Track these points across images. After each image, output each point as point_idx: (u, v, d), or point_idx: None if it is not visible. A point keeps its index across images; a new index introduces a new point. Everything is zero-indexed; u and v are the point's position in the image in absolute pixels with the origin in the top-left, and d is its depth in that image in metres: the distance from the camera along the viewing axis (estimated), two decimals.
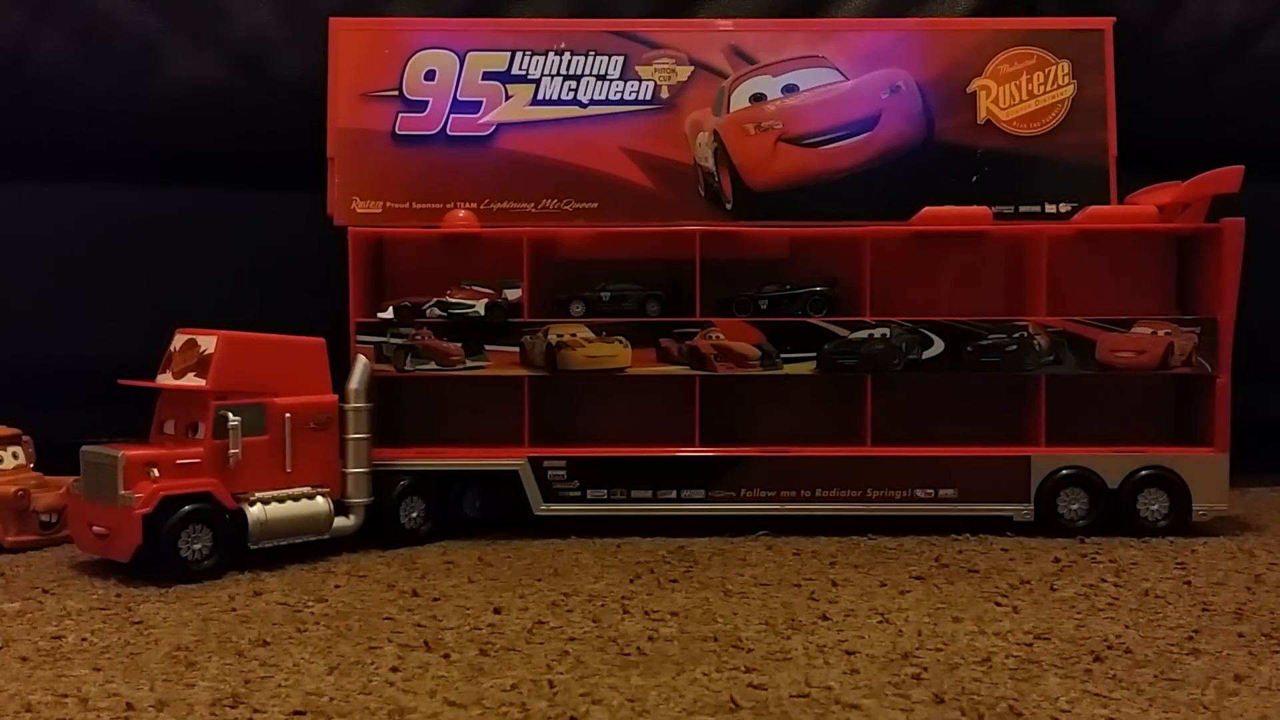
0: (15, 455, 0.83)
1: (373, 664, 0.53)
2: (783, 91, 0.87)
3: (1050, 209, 0.87)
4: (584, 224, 0.86)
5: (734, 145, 0.87)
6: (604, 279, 0.86)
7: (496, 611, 0.62)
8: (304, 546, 0.75)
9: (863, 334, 0.82)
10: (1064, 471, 0.81)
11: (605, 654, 0.55)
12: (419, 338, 0.83)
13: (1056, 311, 0.82)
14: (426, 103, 0.86)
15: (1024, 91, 0.87)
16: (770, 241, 0.87)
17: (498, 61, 0.87)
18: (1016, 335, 0.82)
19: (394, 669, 0.53)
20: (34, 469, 0.83)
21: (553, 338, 0.82)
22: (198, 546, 0.70)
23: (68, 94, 0.97)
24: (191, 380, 0.73)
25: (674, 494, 0.82)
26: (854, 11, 0.97)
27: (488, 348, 0.83)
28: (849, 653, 0.54)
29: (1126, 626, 0.59)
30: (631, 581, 0.69)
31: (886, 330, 0.82)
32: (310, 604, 0.64)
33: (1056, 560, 0.73)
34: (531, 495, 0.82)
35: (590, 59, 0.87)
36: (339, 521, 0.77)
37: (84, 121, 0.98)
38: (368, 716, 0.47)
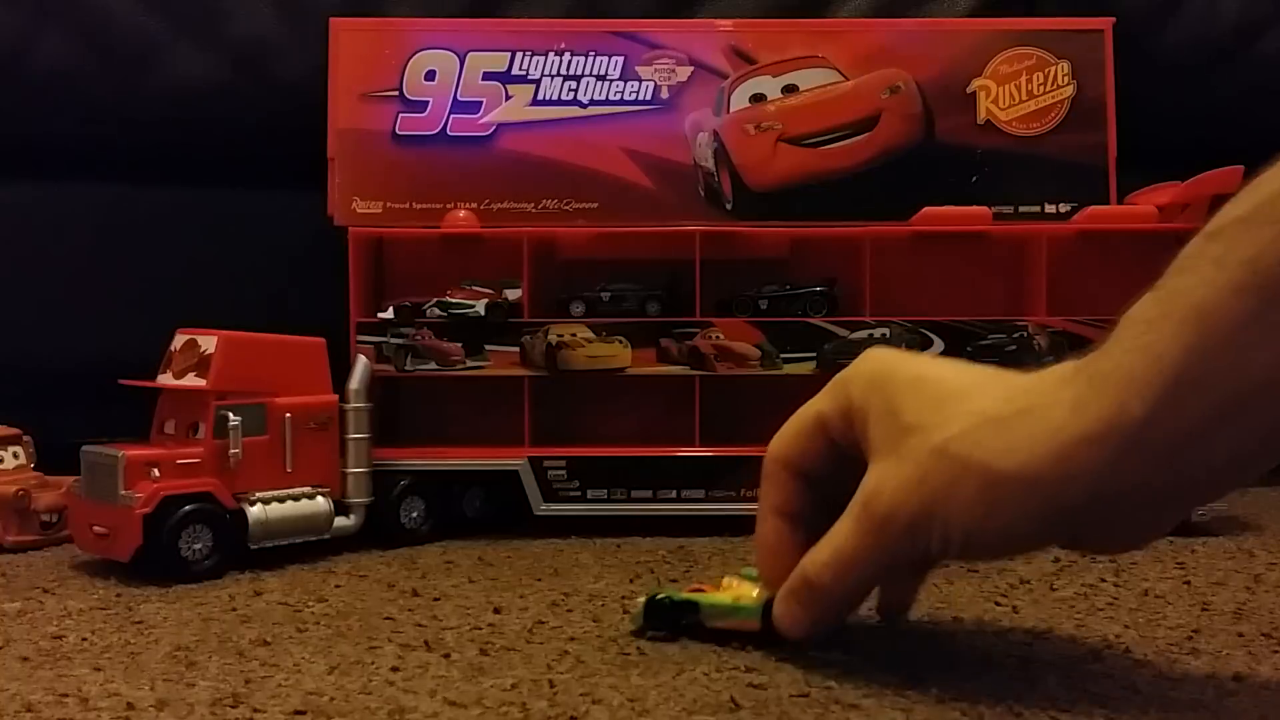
0: (16, 455, 0.83)
1: (373, 663, 0.53)
2: (783, 92, 0.87)
3: (1050, 209, 0.87)
4: (584, 224, 0.86)
5: (734, 145, 0.87)
6: (604, 279, 0.86)
7: (497, 611, 0.62)
8: (304, 546, 0.75)
9: (863, 334, 0.82)
10: None
11: (605, 654, 0.55)
12: (419, 338, 0.83)
13: (1056, 311, 0.82)
14: (427, 103, 0.86)
15: (1024, 92, 0.87)
16: (770, 241, 0.87)
17: (498, 62, 0.87)
18: (1016, 335, 0.82)
19: (394, 668, 0.53)
20: (34, 469, 0.83)
21: (553, 338, 0.82)
22: (198, 546, 0.70)
23: (68, 94, 0.97)
24: (192, 380, 0.73)
25: (674, 494, 0.82)
26: (854, 11, 0.97)
27: (488, 348, 0.83)
28: (849, 652, 0.54)
29: (1126, 626, 0.59)
30: (631, 581, 0.69)
31: (886, 330, 0.82)
32: (311, 604, 0.64)
33: (1056, 560, 0.73)
34: (531, 495, 0.82)
35: (590, 59, 0.87)
36: (339, 521, 0.77)
37: (84, 121, 0.98)
38: (368, 716, 0.47)
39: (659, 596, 0.56)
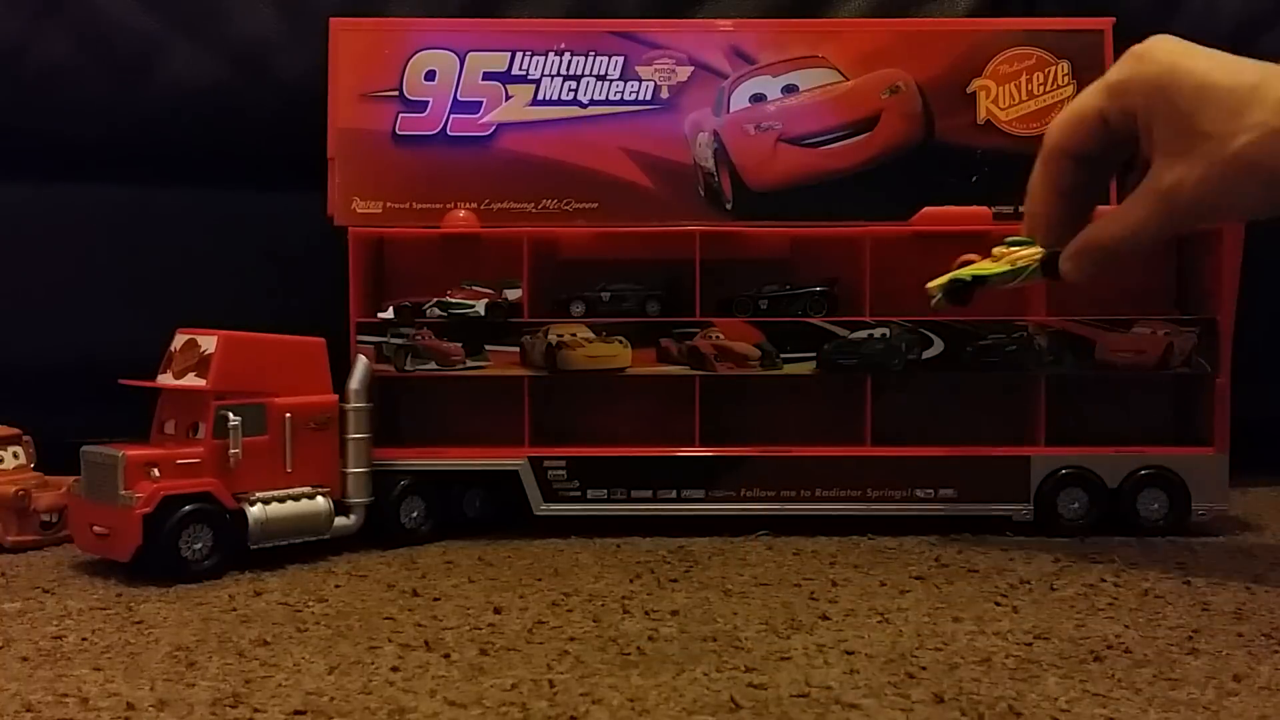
0: (16, 455, 0.83)
1: (373, 663, 0.54)
2: (783, 91, 0.87)
3: None
4: (584, 224, 0.86)
5: (734, 145, 0.87)
6: (604, 279, 0.86)
7: (497, 611, 0.62)
8: (304, 546, 0.75)
9: (863, 334, 0.82)
10: (1063, 471, 0.81)
11: (605, 654, 0.55)
12: (419, 338, 0.83)
13: (1056, 311, 0.82)
14: (427, 103, 0.86)
15: (1024, 92, 0.87)
16: (770, 241, 0.87)
17: (498, 62, 0.87)
18: (1016, 335, 0.82)
19: (394, 668, 0.53)
20: (34, 469, 0.83)
21: (553, 338, 0.82)
22: (198, 546, 0.70)
23: (68, 94, 0.97)
24: (192, 380, 0.73)
25: (674, 494, 0.82)
26: (854, 11, 0.97)
27: (488, 348, 0.83)
28: (849, 652, 0.54)
29: (1126, 626, 0.59)
30: (631, 581, 0.69)
31: (886, 330, 0.82)
32: (311, 604, 0.64)
33: (1056, 560, 0.73)
34: (531, 495, 0.82)
35: (590, 59, 0.87)
36: (339, 521, 0.77)
37: (84, 121, 0.98)
38: (368, 716, 0.47)
39: (955, 278, 0.72)
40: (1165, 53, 0.64)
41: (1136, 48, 0.66)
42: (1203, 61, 0.63)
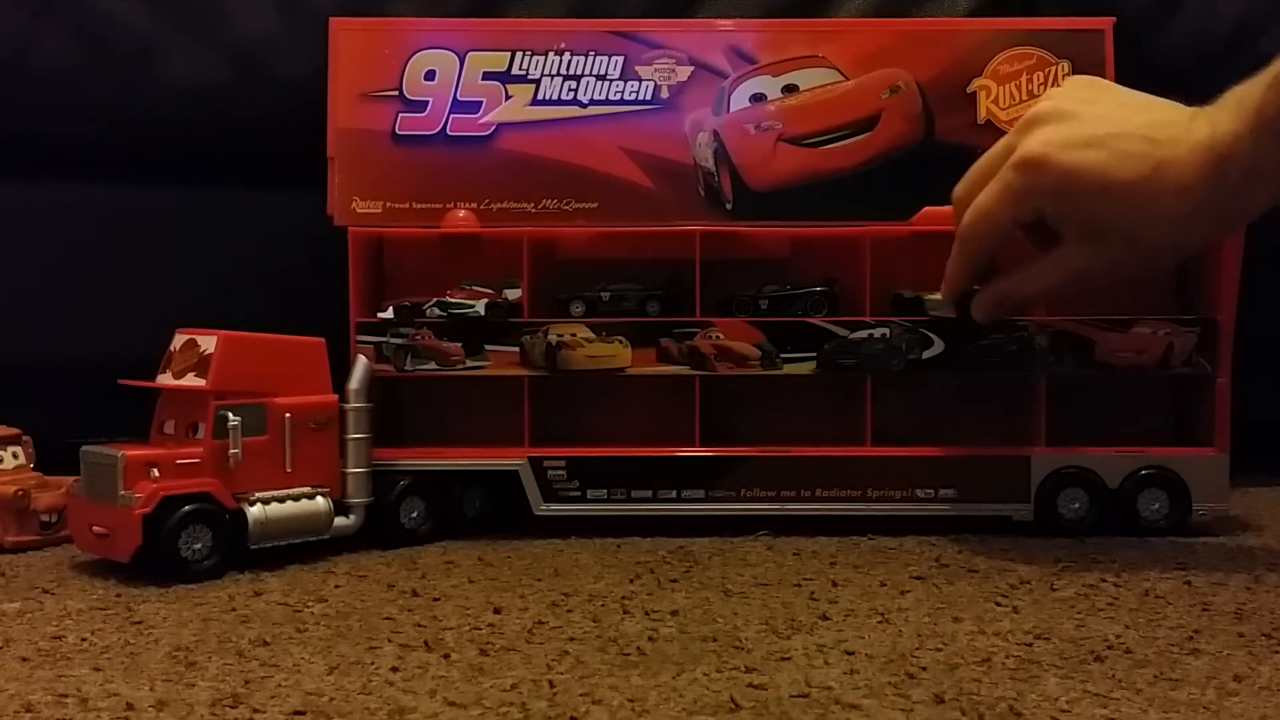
0: (15, 455, 0.83)
1: (373, 664, 0.53)
2: (783, 91, 0.87)
3: None
4: (584, 224, 0.86)
5: (734, 145, 0.87)
6: (604, 279, 0.86)
7: (496, 611, 0.62)
8: (304, 546, 0.75)
9: (863, 334, 0.82)
10: (1064, 471, 0.81)
11: (605, 654, 0.55)
12: (419, 338, 0.83)
13: (1056, 311, 0.82)
14: (426, 103, 0.86)
15: (1024, 91, 0.87)
16: (770, 241, 0.87)
17: (498, 61, 0.87)
18: (1016, 335, 0.82)
19: (394, 669, 0.53)
20: (34, 469, 0.83)
21: (553, 338, 0.82)
22: (198, 546, 0.70)
23: (68, 94, 0.97)
24: (191, 380, 0.73)
25: (674, 494, 0.82)
26: (854, 11, 0.97)
27: (488, 348, 0.83)
28: (849, 653, 0.54)
29: (1126, 626, 0.59)
30: (631, 581, 0.69)
31: (886, 330, 0.82)
32: (310, 604, 0.64)
33: (1056, 560, 0.73)
34: (531, 495, 0.82)
35: (590, 59, 0.87)
36: (339, 521, 0.77)
37: (84, 121, 0.98)
38: (368, 716, 0.47)
39: (902, 293, 0.83)
40: (1057, 151, 0.68)
41: (1027, 155, 0.69)
42: (1096, 155, 0.67)
